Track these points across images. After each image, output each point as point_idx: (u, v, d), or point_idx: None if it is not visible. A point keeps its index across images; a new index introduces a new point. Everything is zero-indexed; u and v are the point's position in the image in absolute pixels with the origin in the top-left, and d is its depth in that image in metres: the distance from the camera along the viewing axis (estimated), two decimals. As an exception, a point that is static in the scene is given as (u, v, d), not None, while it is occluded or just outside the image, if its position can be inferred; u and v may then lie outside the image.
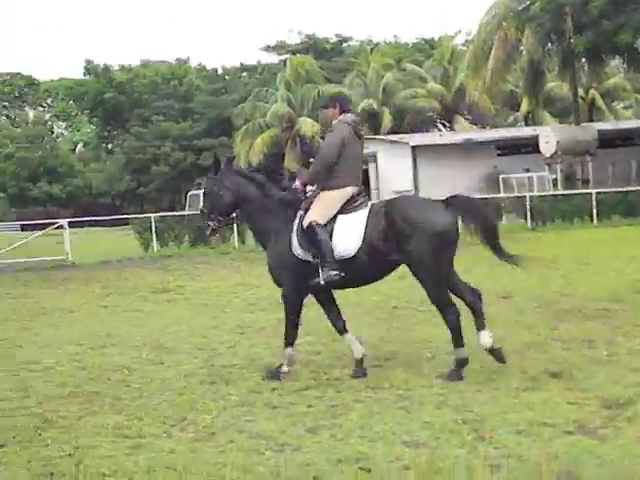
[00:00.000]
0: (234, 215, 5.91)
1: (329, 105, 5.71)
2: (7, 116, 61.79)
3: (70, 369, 6.24)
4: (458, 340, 5.23)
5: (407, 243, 5.22)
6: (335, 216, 5.48)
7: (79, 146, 62.00)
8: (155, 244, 18.20)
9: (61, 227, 18.37)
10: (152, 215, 19.12)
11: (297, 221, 5.50)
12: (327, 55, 49.48)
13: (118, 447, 4.19)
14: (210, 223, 5.82)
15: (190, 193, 32.09)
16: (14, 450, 4.29)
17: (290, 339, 5.55)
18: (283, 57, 49.58)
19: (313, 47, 50.61)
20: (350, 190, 5.51)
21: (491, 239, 5.41)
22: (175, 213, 24.51)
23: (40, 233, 18.95)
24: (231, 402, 4.95)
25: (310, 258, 5.41)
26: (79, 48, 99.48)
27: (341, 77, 41.16)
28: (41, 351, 7.08)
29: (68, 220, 18.82)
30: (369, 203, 5.55)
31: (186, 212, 23.30)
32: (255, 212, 5.72)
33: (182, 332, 7.61)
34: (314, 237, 5.38)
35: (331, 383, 5.30)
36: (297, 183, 5.67)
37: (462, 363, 5.22)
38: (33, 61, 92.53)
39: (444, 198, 5.41)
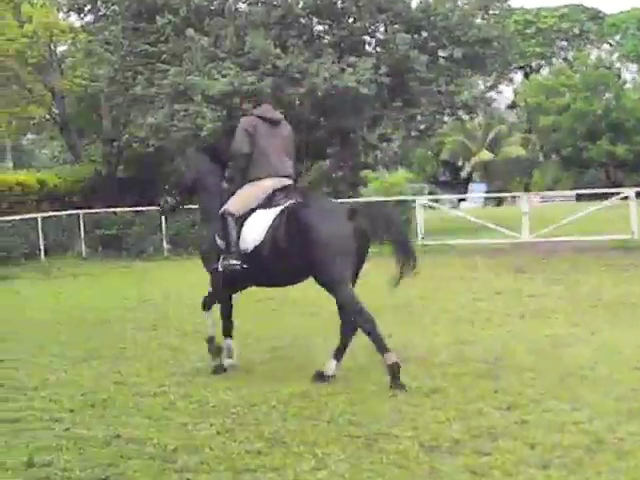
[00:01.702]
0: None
1: (243, 101, 7.61)
2: (565, 59, 64.49)
3: (629, 378, 6.25)
4: (380, 346, 6.54)
5: (302, 248, 6.62)
6: (255, 209, 7.01)
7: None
8: None
9: (626, 198, 18.62)
10: None
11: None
12: None
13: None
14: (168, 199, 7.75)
15: None
16: (560, 475, 4.49)
17: (225, 331, 7.57)
18: None
19: None
20: (270, 183, 7.06)
21: (405, 254, 6.65)
22: None
23: (602, 205, 19.51)
24: None
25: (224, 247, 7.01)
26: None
27: None
28: (594, 354, 7.27)
29: (636, 190, 18.73)
30: (289, 201, 6.93)
31: None
32: (202, 197, 7.47)
33: None
34: (223, 226, 6.96)
35: None
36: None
37: (394, 369, 6.46)
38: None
39: (351, 207, 6.80)
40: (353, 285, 6.78)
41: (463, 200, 43.81)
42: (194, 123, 20.57)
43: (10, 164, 39.09)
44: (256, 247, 6.91)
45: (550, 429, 5.20)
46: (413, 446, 5.09)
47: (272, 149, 7.19)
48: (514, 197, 33.81)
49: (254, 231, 6.96)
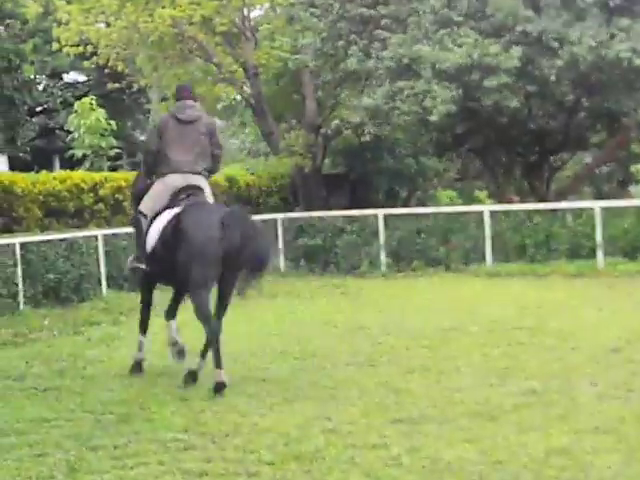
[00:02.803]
0: None
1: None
2: None
3: None
4: (216, 359, 8.97)
5: (177, 249, 9.09)
6: (162, 211, 9.52)
7: None
8: None
9: None
10: None
11: None
12: None
13: None
14: None
15: None
16: None
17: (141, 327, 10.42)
18: None
19: None
20: (176, 180, 9.61)
21: (252, 273, 9.23)
22: None
23: None
24: None
25: None
26: None
27: None
28: None
29: None
30: (190, 201, 9.43)
31: None
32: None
33: None
34: (135, 226, 9.76)
35: None
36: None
37: (219, 387, 8.93)
38: None
39: (225, 213, 9.18)
40: (228, 292, 9.41)
41: None
42: (421, 105, 20.98)
43: None
44: (152, 248, 9.55)
45: None
46: None
47: (178, 146, 9.69)
48: None
49: (153, 233, 9.54)
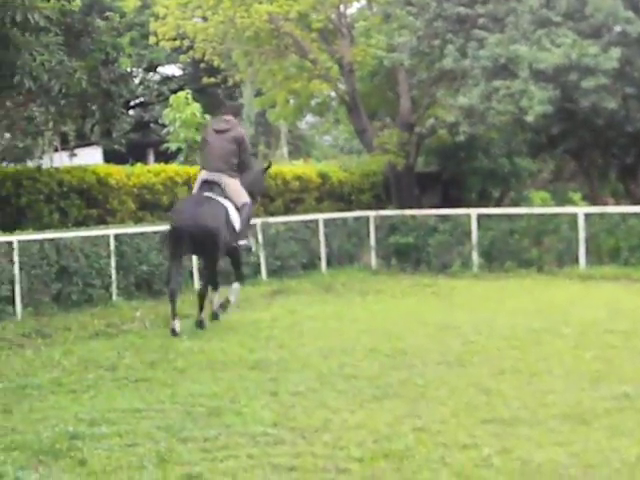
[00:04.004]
0: None
1: None
2: None
3: None
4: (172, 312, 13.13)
5: None
6: None
7: None
8: None
9: None
10: None
11: None
12: None
13: None
14: None
15: None
16: None
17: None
18: None
19: None
20: (203, 176, 13.77)
21: (204, 245, 13.28)
22: None
23: None
24: None
25: None
26: None
27: None
28: None
29: None
30: (194, 193, 14.04)
31: None
32: None
33: None
34: None
35: None
36: None
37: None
38: None
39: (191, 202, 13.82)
40: (205, 263, 14.37)
41: None
42: (517, 105, 20.96)
43: (285, 151, 41.70)
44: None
45: None
46: None
47: (210, 149, 13.72)
48: None
49: None
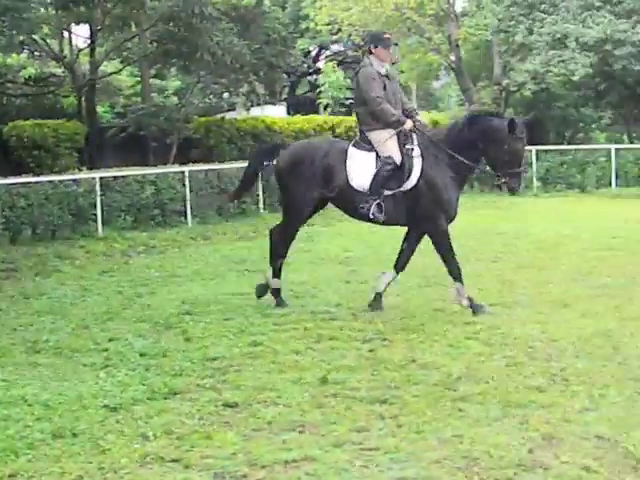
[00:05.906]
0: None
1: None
2: None
3: None
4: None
5: None
6: None
7: None
8: None
9: None
10: None
11: None
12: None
13: None
14: None
15: None
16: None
17: None
18: None
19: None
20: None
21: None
22: None
23: None
24: None
25: None
26: None
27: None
28: None
29: None
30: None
31: None
32: None
33: None
34: None
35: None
36: None
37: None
38: None
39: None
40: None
41: None
42: (567, 69, 26.22)
43: (414, 104, 47.11)
44: None
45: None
46: None
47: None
48: None
49: None
